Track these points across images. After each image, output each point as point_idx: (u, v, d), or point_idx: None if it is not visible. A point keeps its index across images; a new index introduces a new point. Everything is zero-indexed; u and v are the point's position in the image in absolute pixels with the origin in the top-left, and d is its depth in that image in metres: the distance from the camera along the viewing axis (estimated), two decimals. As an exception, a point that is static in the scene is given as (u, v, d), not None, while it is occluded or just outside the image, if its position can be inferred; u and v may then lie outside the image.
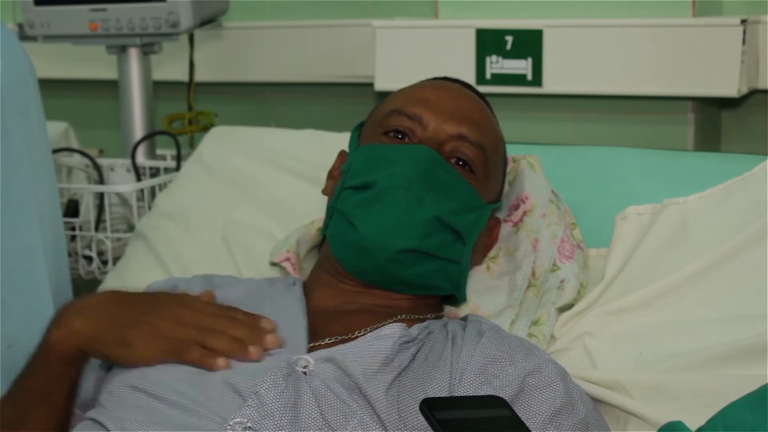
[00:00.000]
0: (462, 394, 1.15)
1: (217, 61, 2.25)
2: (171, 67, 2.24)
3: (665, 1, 1.77)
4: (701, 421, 1.04)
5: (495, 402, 1.04)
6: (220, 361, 1.16)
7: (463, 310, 1.42)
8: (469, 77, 1.83)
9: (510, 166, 1.51)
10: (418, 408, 1.13)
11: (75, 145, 2.26)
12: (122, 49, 1.99)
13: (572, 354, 1.37)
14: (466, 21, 1.88)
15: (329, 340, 1.24)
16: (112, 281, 1.72)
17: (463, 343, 1.23)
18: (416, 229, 1.29)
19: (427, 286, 1.36)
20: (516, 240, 1.46)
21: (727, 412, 0.97)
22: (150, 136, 2.02)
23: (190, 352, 1.17)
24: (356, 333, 1.25)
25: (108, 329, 1.19)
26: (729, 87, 1.72)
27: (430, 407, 1.00)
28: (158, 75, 2.10)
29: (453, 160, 1.36)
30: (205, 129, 2.02)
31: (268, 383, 1.12)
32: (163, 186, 1.93)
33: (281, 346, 1.20)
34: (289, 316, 1.26)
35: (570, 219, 1.48)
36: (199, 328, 1.19)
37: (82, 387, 1.28)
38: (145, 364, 1.18)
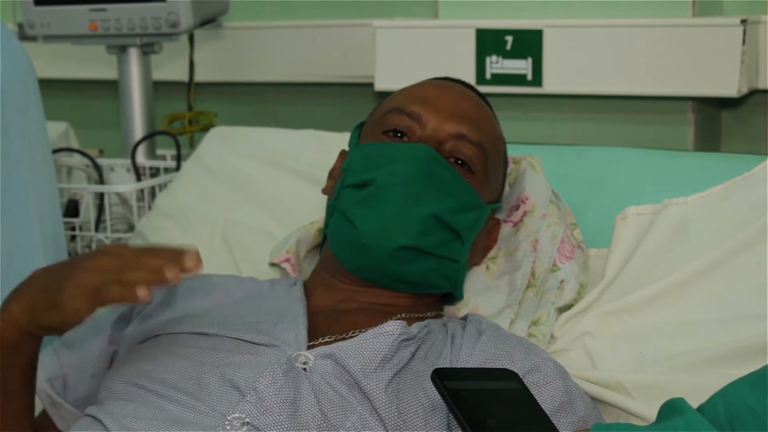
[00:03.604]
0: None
1: (217, 61, 2.25)
2: (171, 67, 2.24)
3: (665, 1, 1.77)
4: (701, 421, 1.04)
5: (506, 374, 1.05)
6: (140, 291, 1.09)
7: (463, 310, 1.42)
8: (469, 77, 1.83)
9: (511, 167, 1.51)
10: (417, 406, 1.13)
11: (75, 145, 2.26)
12: (122, 49, 1.99)
13: (572, 354, 1.37)
14: (466, 21, 1.88)
15: (329, 337, 1.24)
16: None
17: (463, 342, 1.24)
18: (414, 226, 1.30)
19: (425, 284, 1.36)
20: (516, 240, 1.46)
21: (727, 391, 0.98)
22: (150, 136, 2.02)
23: (109, 291, 1.11)
24: (356, 331, 1.26)
25: (38, 299, 1.16)
26: (729, 87, 1.72)
27: (440, 377, 1.00)
28: (158, 75, 2.10)
29: (452, 160, 1.36)
30: (205, 129, 2.02)
31: (267, 379, 1.12)
32: (163, 186, 1.93)
33: (201, 267, 1.12)
34: (289, 315, 1.27)
35: (570, 219, 1.48)
36: (118, 268, 1.13)
37: (76, 384, 1.28)
38: (78, 319, 1.14)
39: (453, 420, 1.12)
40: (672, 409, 0.99)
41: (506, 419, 0.98)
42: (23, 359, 1.20)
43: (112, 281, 1.11)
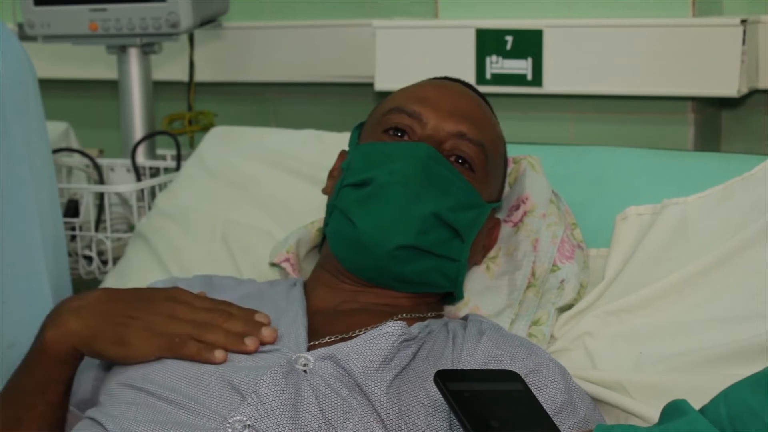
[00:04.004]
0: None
1: (217, 61, 2.25)
2: (171, 67, 2.24)
3: (665, 1, 1.77)
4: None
5: (508, 376, 1.05)
6: (218, 353, 1.16)
7: (463, 310, 1.42)
8: (469, 77, 1.83)
9: (511, 167, 1.51)
10: (418, 407, 1.13)
11: (75, 145, 2.26)
12: (122, 49, 1.99)
13: (572, 354, 1.37)
14: (466, 21, 1.88)
15: (329, 338, 1.24)
16: (112, 281, 1.72)
17: (464, 342, 1.24)
18: (414, 225, 1.30)
19: (424, 283, 1.36)
20: (516, 240, 1.46)
21: (729, 392, 0.98)
22: (150, 136, 2.02)
23: (187, 346, 1.17)
24: (356, 332, 1.26)
25: (103, 328, 1.19)
26: (729, 87, 1.72)
27: (443, 378, 1.00)
28: (158, 75, 2.10)
29: (452, 158, 1.36)
30: (205, 129, 2.02)
31: (267, 381, 1.12)
32: (163, 186, 1.93)
33: (276, 340, 1.20)
34: (289, 316, 1.26)
35: (570, 219, 1.48)
36: (194, 322, 1.19)
37: (80, 386, 1.29)
38: (143, 361, 1.18)
39: (455, 421, 1.12)
40: (674, 410, 0.99)
41: (509, 421, 0.98)
42: (69, 373, 1.24)
43: (188, 336, 1.17)
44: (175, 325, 1.18)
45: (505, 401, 1.00)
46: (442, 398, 1.11)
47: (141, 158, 2.00)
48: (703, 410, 0.99)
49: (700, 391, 1.05)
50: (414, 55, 1.91)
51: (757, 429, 0.93)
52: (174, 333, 1.18)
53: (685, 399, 0.99)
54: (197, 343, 1.17)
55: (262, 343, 1.19)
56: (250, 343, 1.17)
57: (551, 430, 0.99)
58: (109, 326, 1.19)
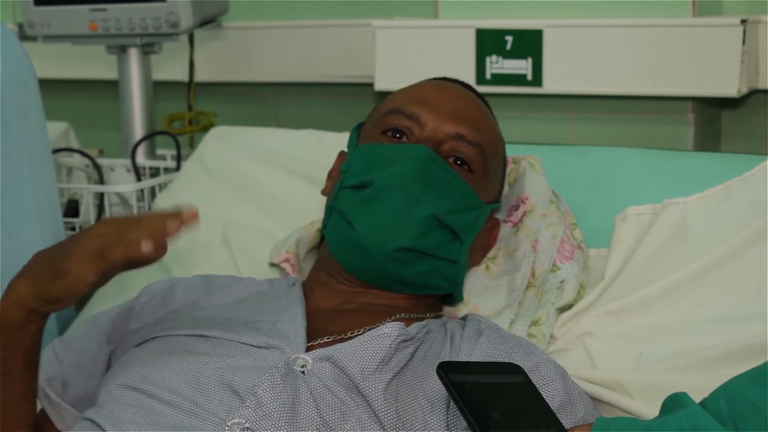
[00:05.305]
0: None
1: (217, 61, 2.25)
2: (171, 67, 2.25)
3: (665, 1, 1.76)
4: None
5: (511, 369, 1.05)
6: (144, 246, 1.12)
7: (463, 310, 1.42)
8: (469, 77, 1.83)
9: (510, 167, 1.51)
10: (416, 407, 1.13)
11: (75, 145, 2.26)
12: (122, 49, 1.99)
13: (572, 354, 1.37)
14: (466, 21, 1.88)
15: (327, 338, 1.24)
16: (111, 281, 1.71)
17: (462, 342, 1.24)
18: (413, 227, 1.29)
19: (424, 285, 1.36)
20: (516, 240, 1.46)
21: (729, 385, 0.99)
22: (150, 136, 2.02)
23: (114, 250, 1.13)
24: (354, 332, 1.25)
25: (42, 273, 1.17)
26: (729, 87, 1.72)
27: (446, 370, 1.00)
28: (158, 75, 2.10)
29: (451, 160, 1.36)
30: (205, 129, 2.02)
31: (265, 383, 1.11)
32: (163, 186, 1.93)
33: (196, 216, 1.15)
34: (288, 315, 1.26)
35: (570, 219, 1.48)
36: (118, 231, 1.15)
37: (76, 382, 1.28)
38: (84, 284, 1.14)
39: (452, 420, 1.13)
40: (674, 403, 1.00)
41: (510, 412, 0.99)
42: (27, 339, 1.21)
43: (114, 242, 1.13)
44: (101, 239, 1.15)
45: (506, 393, 1.01)
46: (439, 398, 1.11)
47: (141, 158, 2.00)
48: (703, 403, 0.99)
49: (700, 390, 1.05)
50: (414, 55, 1.91)
51: (756, 422, 0.94)
52: (102, 245, 1.14)
53: (685, 392, 0.99)
54: (122, 245, 1.13)
55: (184, 223, 1.13)
56: (171, 224, 1.12)
57: (552, 423, 1.00)
58: (46, 268, 1.17)
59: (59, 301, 1.18)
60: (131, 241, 1.12)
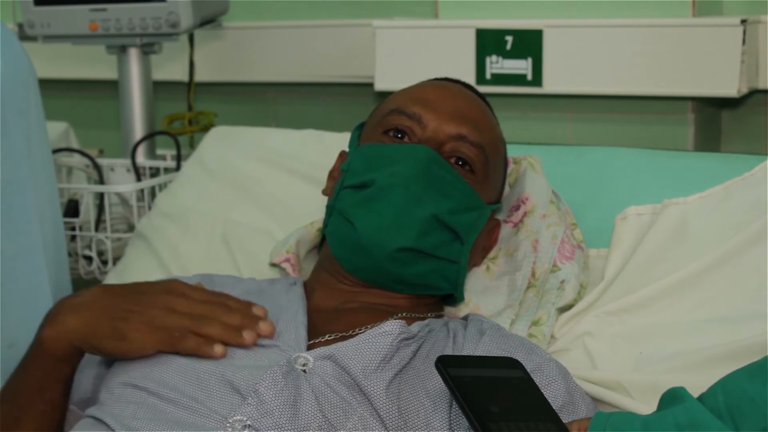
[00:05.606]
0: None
1: (217, 61, 2.25)
2: (171, 67, 2.24)
3: (665, 1, 1.77)
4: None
5: (510, 363, 1.05)
6: (217, 348, 1.16)
7: (463, 310, 1.42)
8: (469, 77, 1.83)
9: (511, 167, 1.51)
10: (418, 406, 1.13)
11: (75, 145, 2.26)
12: (122, 49, 1.99)
13: (572, 354, 1.37)
14: (466, 21, 1.88)
15: (329, 337, 1.24)
16: (111, 281, 1.71)
17: (465, 341, 1.24)
18: (414, 227, 1.29)
19: (425, 285, 1.36)
20: (516, 241, 1.46)
21: (727, 380, 0.99)
22: (150, 136, 2.02)
23: (186, 340, 1.17)
24: (356, 331, 1.26)
25: (101, 323, 1.19)
26: (729, 87, 1.72)
27: (445, 364, 1.00)
28: (158, 75, 2.10)
29: (453, 160, 1.36)
30: (205, 129, 2.02)
31: (267, 381, 1.12)
32: (163, 186, 1.93)
33: (273, 333, 1.20)
34: (289, 314, 1.27)
35: (570, 219, 1.48)
36: (191, 315, 1.19)
37: (80, 385, 1.29)
38: (142, 355, 1.18)
39: (455, 418, 1.13)
40: (672, 397, 1.00)
41: (509, 406, 0.99)
42: (67, 371, 1.24)
43: (187, 330, 1.16)
44: (173, 318, 1.18)
45: (505, 387, 1.01)
46: (442, 397, 1.11)
47: (141, 158, 2.00)
48: (700, 398, 1.00)
49: (700, 390, 1.06)
50: (414, 55, 1.91)
51: (754, 417, 0.94)
52: (172, 326, 1.17)
53: (683, 387, 1.00)
54: (196, 337, 1.17)
55: (260, 336, 1.19)
56: (247, 336, 1.18)
57: (551, 417, 1.00)
58: (107, 321, 1.19)
59: (110, 356, 1.22)
60: (206, 338, 1.17)
